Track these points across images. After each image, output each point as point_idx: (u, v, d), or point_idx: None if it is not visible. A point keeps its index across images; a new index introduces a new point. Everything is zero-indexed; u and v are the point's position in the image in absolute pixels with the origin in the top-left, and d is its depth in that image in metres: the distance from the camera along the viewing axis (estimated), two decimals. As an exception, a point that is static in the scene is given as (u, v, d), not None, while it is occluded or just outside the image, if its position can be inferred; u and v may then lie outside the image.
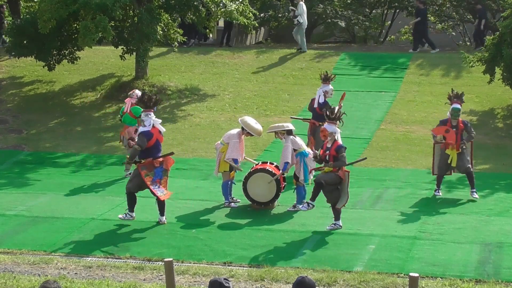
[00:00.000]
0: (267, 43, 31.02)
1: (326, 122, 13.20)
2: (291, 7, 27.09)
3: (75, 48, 22.51)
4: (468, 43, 31.26)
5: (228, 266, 11.52)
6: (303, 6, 25.40)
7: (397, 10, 31.78)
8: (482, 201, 14.58)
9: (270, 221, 13.60)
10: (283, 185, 14.40)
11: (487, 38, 22.08)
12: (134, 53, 22.07)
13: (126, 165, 15.77)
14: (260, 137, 17.01)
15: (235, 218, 13.77)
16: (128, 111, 16.18)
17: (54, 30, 20.73)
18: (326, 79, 17.02)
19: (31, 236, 12.99)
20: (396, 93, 22.05)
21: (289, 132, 14.08)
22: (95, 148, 19.08)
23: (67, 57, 22.66)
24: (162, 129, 13.57)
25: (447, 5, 30.31)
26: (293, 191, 14.16)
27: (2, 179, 16.83)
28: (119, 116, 17.23)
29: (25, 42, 21.89)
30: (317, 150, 13.63)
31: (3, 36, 26.22)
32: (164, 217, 13.42)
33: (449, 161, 14.65)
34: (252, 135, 14.67)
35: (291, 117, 18.44)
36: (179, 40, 23.43)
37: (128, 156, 13.88)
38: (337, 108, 13.33)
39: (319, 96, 16.92)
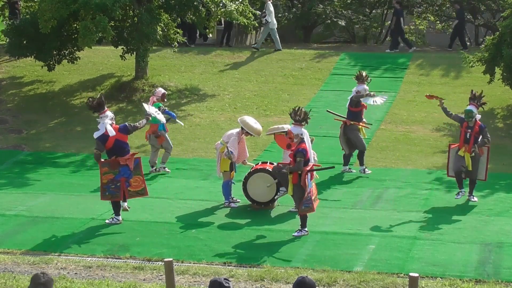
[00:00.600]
0: (267, 43, 31.01)
1: (292, 124, 13.03)
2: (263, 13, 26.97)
3: (75, 48, 22.52)
4: (468, 43, 31.26)
5: (228, 266, 11.52)
6: (270, 7, 25.64)
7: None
8: (482, 201, 14.58)
9: (270, 221, 13.61)
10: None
11: (486, 38, 22.08)
12: (134, 53, 22.07)
13: (163, 158, 16.89)
14: (260, 137, 17.02)
15: (235, 218, 13.77)
16: None
17: (54, 30, 20.74)
18: (358, 79, 16.80)
19: (31, 236, 12.99)
20: (396, 93, 22.05)
21: (288, 134, 14.03)
22: (95, 148, 19.07)
23: (67, 57, 22.67)
24: (111, 132, 13.25)
25: (447, 5, 30.30)
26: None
27: (2, 179, 16.84)
28: None
29: (24, 42, 21.89)
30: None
31: None
32: (120, 216, 13.48)
33: (466, 164, 14.20)
34: (251, 135, 14.66)
35: (327, 111, 18.01)
36: (179, 40, 23.44)
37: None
38: (303, 109, 13.06)
39: (352, 95, 16.74)
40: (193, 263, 11.64)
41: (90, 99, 13.85)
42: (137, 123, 13.86)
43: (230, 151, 14.04)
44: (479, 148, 14.20)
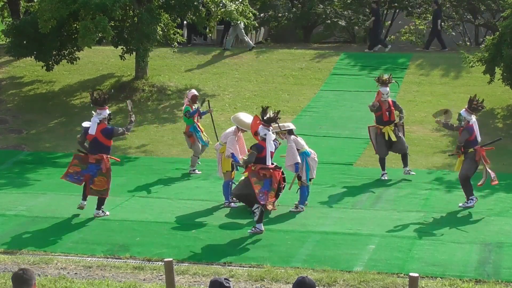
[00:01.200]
0: (267, 43, 31.01)
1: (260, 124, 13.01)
2: None
3: (75, 48, 22.52)
4: (468, 43, 31.25)
5: (228, 266, 11.52)
6: None
7: (397, 10, 31.73)
8: (482, 201, 14.57)
9: (270, 221, 13.60)
10: (283, 185, 14.39)
11: (486, 38, 22.08)
12: (134, 53, 22.06)
13: (192, 161, 16.81)
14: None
15: (235, 218, 13.77)
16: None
17: (54, 30, 20.74)
18: (379, 81, 16.53)
19: (31, 236, 13.00)
20: (396, 93, 22.03)
21: (290, 132, 14.03)
22: (95, 148, 19.07)
23: (67, 57, 22.67)
24: (92, 131, 13.80)
25: (447, 5, 30.29)
26: (296, 191, 14.15)
27: (2, 179, 16.84)
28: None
29: (24, 42, 21.89)
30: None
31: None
32: (100, 211, 13.85)
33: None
34: (247, 131, 14.59)
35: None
36: (179, 40, 23.45)
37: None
38: (271, 111, 13.11)
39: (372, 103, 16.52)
40: (193, 263, 11.63)
41: (100, 92, 14.22)
42: (126, 129, 14.21)
43: (231, 153, 13.99)
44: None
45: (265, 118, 12.88)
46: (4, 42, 25.03)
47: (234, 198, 14.53)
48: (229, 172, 14.38)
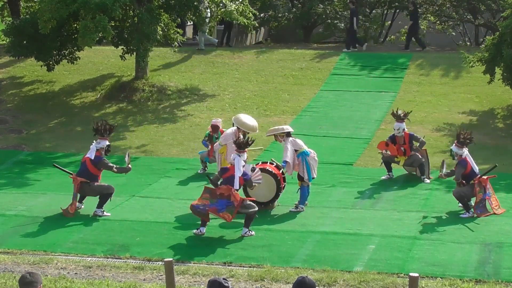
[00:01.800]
0: (267, 43, 31.03)
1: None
2: None
3: (75, 48, 22.52)
4: (468, 43, 31.27)
5: (228, 266, 11.52)
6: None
7: (397, 10, 31.77)
8: (482, 201, 14.56)
9: (270, 221, 13.60)
10: (283, 185, 14.40)
11: (486, 38, 22.08)
12: (134, 53, 22.07)
13: (201, 163, 16.77)
14: (261, 138, 17.03)
15: (235, 218, 13.73)
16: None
17: (54, 30, 20.73)
18: (394, 116, 16.35)
19: (31, 236, 13.00)
20: (396, 93, 22.05)
21: (288, 134, 14.08)
22: (95, 148, 19.07)
23: (67, 57, 22.67)
24: (90, 154, 14.06)
25: (447, 5, 30.31)
26: (297, 191, 14.16)
27: (2, 179, 16.84)
28: None
29: (24, 42, 21.89)
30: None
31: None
32: (99, 210, 13.94)
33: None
34: (248, 133, 14.63)
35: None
36: (179, 40, 23.44)
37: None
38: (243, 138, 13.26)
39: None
40: (193, 263, 11.64)
41: (103, 122, 14.46)
42: (117, 168, 14.25)
43: (233, 158, 13.96)
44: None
45: (237, 142, 12.85)
46: (4, 42, 25.03)
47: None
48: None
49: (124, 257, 11.95)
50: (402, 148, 16.14)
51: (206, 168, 16.80)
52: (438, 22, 31.60)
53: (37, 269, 11.32)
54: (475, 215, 13.68)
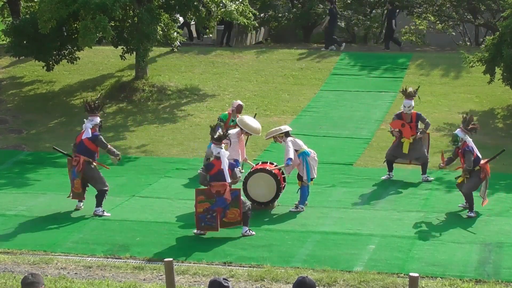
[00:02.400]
0: (267, 43, 31.02)
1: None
2: None
3: (75, 48, 22.52)
4: (468, 43, 31.26)
5: (228, 266, 11.52)
6: None
7: (397, 10, 31.75)
8: (482, 201, 14.56)
9: (270, 221, 13.60)
10: (283, 185, 14.40)
11: (486, 38, 22.09)
12: (134, 53, 22.07)
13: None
14: (260, 138, 17.01)
15: (235, 218, 13.76)
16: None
17: (54, 30, 20.74)
18: (403, 93, 16.16)
19: (31, 236, 13.00)
20: (396, 93, 22.03)
21: (287, 134, 14.08)
22: (95, 148, 19.06)
23: (67, 57, 22.67)
24: (87, 134, 14.11)
25: (447, 5, 30.31)
26: (297, 191, 14.16)
27: (2, 179, 16.84)
28: None
29: (24, 42, 21.89)
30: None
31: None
32: (99, 209, 13.96)
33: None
34: (251, 135, 14.67)
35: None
36: (179, 40, 23.44)
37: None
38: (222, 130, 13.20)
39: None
40: (193, 263, 11.64)
41: (90, 101, 14.53)
42: (110, 148, 14.35)
43: (234, 159, 13.95)
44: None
45: (215, 137, 12.87)
46: (4, 42, 25.03)
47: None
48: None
49: (124, 257, 11.95)
50: (409, 127, 15.98)
51: None
52: (438, 22, 31.61)
53: (37, 269, 11.33)
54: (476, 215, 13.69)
